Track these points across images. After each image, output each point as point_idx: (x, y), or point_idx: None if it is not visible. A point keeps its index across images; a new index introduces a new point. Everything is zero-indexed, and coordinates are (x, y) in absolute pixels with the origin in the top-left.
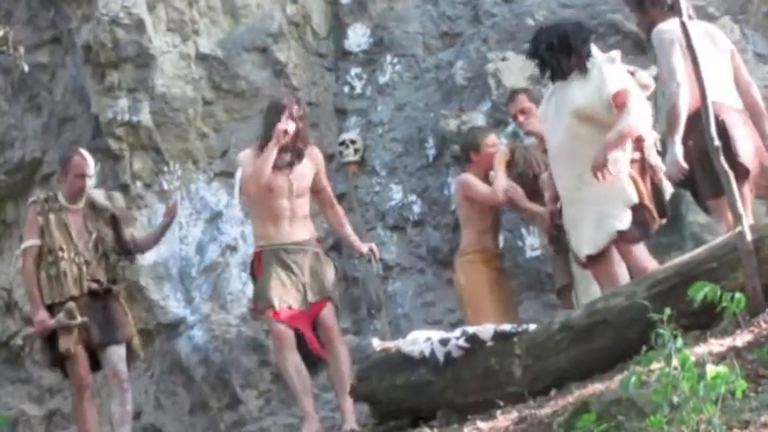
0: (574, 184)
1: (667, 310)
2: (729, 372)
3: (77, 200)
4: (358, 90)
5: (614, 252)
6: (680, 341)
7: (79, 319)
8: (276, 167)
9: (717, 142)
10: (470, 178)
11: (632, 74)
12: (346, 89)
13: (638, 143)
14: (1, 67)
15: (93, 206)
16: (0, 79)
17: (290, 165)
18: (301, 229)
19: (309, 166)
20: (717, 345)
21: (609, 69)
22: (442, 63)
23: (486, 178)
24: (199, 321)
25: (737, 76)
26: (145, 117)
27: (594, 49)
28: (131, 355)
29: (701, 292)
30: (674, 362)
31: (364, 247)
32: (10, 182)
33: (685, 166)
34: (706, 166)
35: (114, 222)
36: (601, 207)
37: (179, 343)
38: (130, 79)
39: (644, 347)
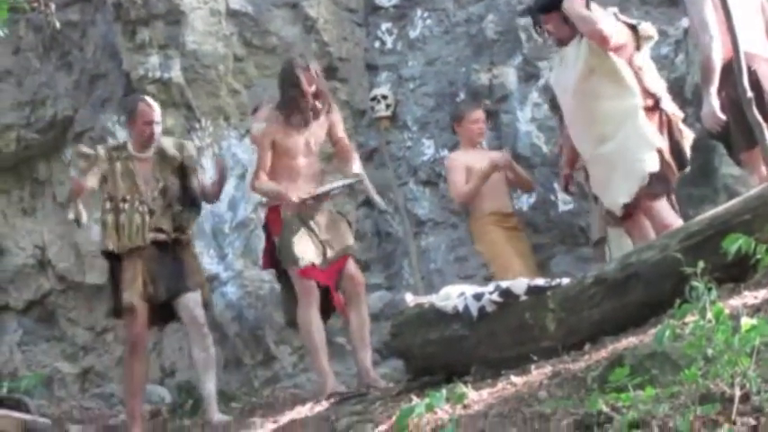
0: (594, 142)
1: (701, 263)
2: (764, 324)
3: (147, 148)
4: (389, 45)
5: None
6: (714, 294)
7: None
8: (292, 127)
9: (749, 93)
10: (453, 161)
11: (635, 26)
12: (377, 44)
13: (648, 93)
14: (32, 24)
15: (162, 154)
16: (31, 37)
17: (306, 123)
18: (315, 186)
19: (323, 122)
20: (751, 297)
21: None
22: (473, 17)
23: (474, 148)
24: (232, 278)
25: None
26: (176, 74)
27: (594, 5)
28: (203, 304)
29: (735, 244)
30: (709, 315)
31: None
32: (42, 140)
33: (722, 117)
34: (739, 118)
35: (182, 171)
36: (627, 155)
37: (212, 299)
38: (161, 36)
39: (678, 301)
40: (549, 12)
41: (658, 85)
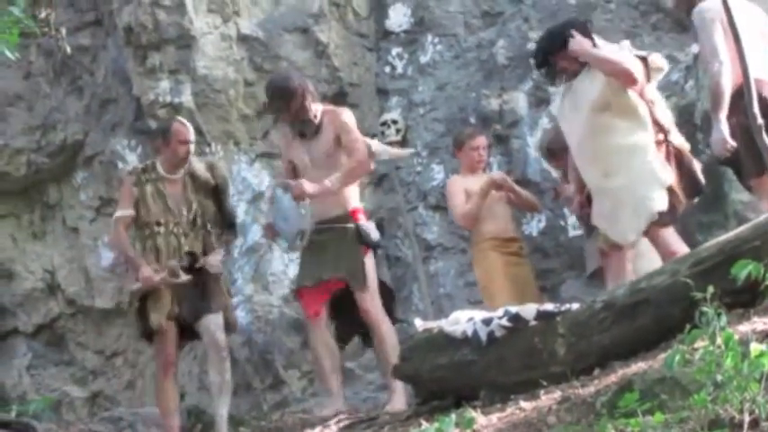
0: (601, 175)
1: (710, 289)
2: None
3: (178, 169)
4: (399, 70)
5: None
6: (723, 319)
7: (183, 277)
8: (296, 137)
9: (759, 120)
10: (452, 185)
11: (645, 58)
12: (387, 69)
13: (659, 126)
14: (43, 49)
15: (193, 176)
16: (42, 62)
17: (302, 136)
18: (332, 204)
19: (328, 133)
20: (760, 323)
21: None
22: (484, 42)
23: (473, 174)
24: (241, 302)
25: None
26: (186, 98)
27: (599, 40)
28: (227, 327)
29: (745, 270)
30: (718, 340)
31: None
32: (52, 164)
33: (732, 143)
34: (749, 145)
35: (216, 193)
36: (636, 192)
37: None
38: (172, 61)
39: (687, 326)
40: (560, 49)
41: (667, 118)
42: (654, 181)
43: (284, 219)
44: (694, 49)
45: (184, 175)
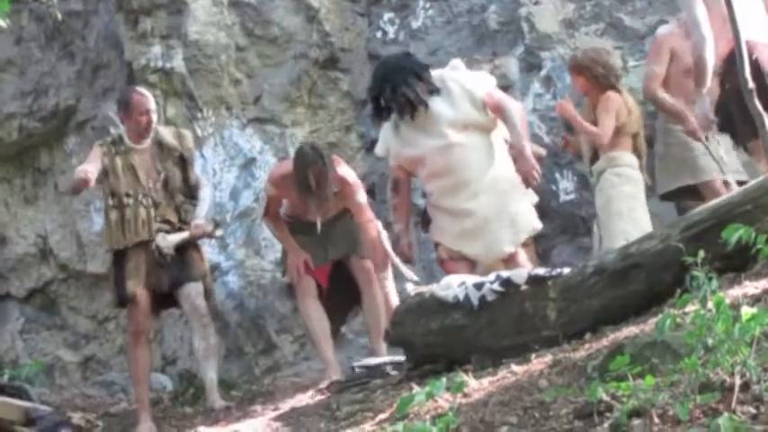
0: (464, 201)
1: (701, 253)
2: (764, 313)
3: (144, 138)
4: (391, 35)
5: None
6: (714, 283)
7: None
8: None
9: (751, 84)
10: None
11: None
12: (379, 34)
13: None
14: (34, 15)
15: (160, 144)
16: (33, 27)
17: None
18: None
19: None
20: (751, 287)
21: (465, 78)
22: (475, 7)
23: None
24: (233, 267)
25: None
26: (178, 63)
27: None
28: (205, 294)
29: (736, 234)
30: (709, 304)
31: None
32: (44, 129)
33: (713, 118)
34: (744, 108)
35: (182, 162)
36: (509, 207)
37: (215, 289)
38: (163, 26)
39: (678, 290)
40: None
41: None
42: (524, 196)
43: None
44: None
45: (152, 145)
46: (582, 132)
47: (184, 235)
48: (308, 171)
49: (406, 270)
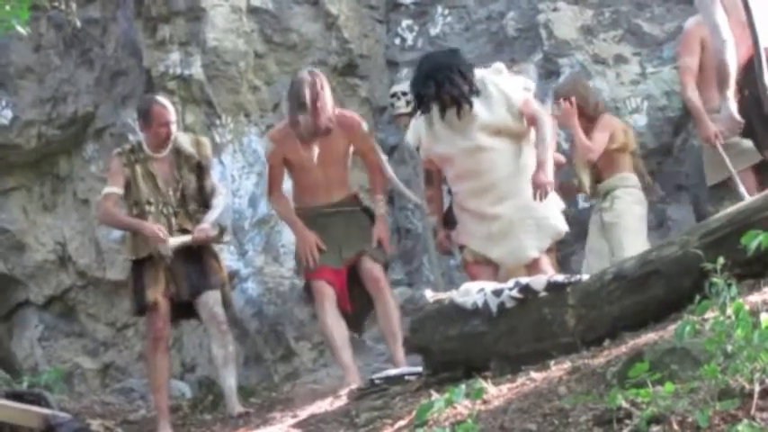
0: (488, 205)
1: (721, 259)
2: None
3: (163, 148)
4: (409, 42)
5: None
6: (734, 290)
7: (169, 253)
8: (303, 141)
9: None
10: None
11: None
12: (397, 41)
13: None
14: (53, 22)
15: (178, 152)
16: (52, 34)
17: (313, 135)
18: (337, 192)
19: (341, 137)
20: None
21: (505, 83)
22: (493, 14)
23: None
24: (252, 274)
25: None
26: (197, 70)
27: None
28: (224, 303)
29: (755, 240)
30: (728, 311)
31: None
32: (63, 136)
33: (740, 120)
34: (763, 114)
35: (199, 170)
36: (535, 212)
37: (233, 297)
38: (182, 33)
39: (697, 297)
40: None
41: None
42: (551, 201)
43: None
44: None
45: (170, 153)
46: (576, 140)
47: (185, 239)
48: (303, 86)
49: (408, 193)
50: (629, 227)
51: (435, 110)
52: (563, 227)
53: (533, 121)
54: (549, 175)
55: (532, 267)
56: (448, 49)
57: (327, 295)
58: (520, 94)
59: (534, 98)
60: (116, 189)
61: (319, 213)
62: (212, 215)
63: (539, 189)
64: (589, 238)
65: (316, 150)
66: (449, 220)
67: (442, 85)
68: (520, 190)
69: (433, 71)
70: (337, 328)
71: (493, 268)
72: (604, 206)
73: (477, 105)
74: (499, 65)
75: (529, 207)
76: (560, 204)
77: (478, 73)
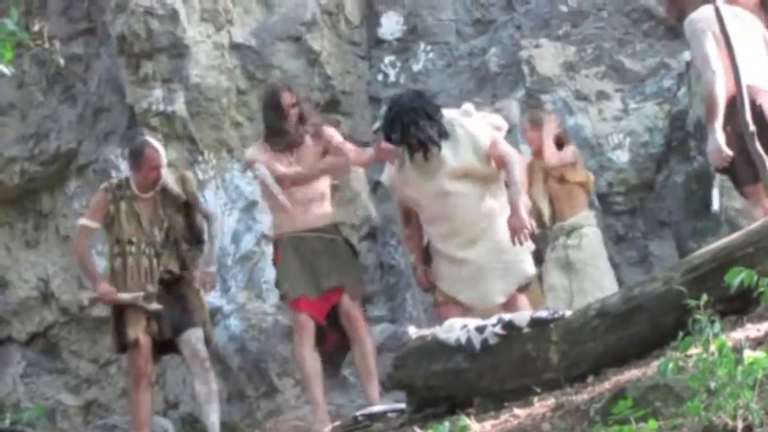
0: (456, 249)
1: (704, 296)
2: (767, 357)
3: (150, 190)
4: (392, 78)
5: None
6: (717, 326)
7: (155, 306)
8: (281, 154)
9: (752, 127)
10: None
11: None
12: (380, 77)
13: None
14: (36, 59)
15: (165, 192)
16: (35, 71)
17: (291, 146)
18: (318, 215)
19: (313, 149)
20: (754, 330)
21: (473, 125)
22: (476, 50)
23: None
24: (235, 311)
25: None
26: (179, 107)
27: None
28: (205, 341)
29: (738, 277)
30: (712, 347)
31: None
32: (45, 173)
33: (729, 152)
34: (743, 152)
35: (187, 209)
36: (503, 256)
37: (216, 332)
38: (165, 69)
39: (681, 333)
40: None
41: None
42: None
43: None
44: (686, 56)
45: (156, 192)
46: (545, 147)
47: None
48: (280, 93)
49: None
50: (603, 267)
51: (405, 153)
52: (531, 270)
53: (502, 163)
54: (523, 217)
55: (508, 306)
56: (413, 91)
57: (306, 329)
58: (487, 137)
59: (513, 134)
60: (91, 223)
61: (299, 237)
62: (212, 253)
63: (516, 233)
64: (549, 275)
65: (291, 163)
66: (427, 258)
67: (408, 128)
68: (489, 233)
69: (399, 114)
70: (311, 362)
71: (463, 310)
72: (571, 243)
73: (445, 149)
74: (468, 106)
75: (498, 250)
76: (531, 246)
77: (447, 114)
